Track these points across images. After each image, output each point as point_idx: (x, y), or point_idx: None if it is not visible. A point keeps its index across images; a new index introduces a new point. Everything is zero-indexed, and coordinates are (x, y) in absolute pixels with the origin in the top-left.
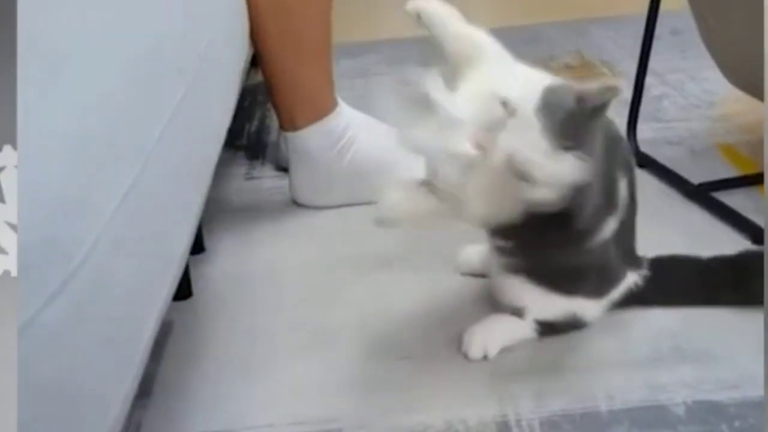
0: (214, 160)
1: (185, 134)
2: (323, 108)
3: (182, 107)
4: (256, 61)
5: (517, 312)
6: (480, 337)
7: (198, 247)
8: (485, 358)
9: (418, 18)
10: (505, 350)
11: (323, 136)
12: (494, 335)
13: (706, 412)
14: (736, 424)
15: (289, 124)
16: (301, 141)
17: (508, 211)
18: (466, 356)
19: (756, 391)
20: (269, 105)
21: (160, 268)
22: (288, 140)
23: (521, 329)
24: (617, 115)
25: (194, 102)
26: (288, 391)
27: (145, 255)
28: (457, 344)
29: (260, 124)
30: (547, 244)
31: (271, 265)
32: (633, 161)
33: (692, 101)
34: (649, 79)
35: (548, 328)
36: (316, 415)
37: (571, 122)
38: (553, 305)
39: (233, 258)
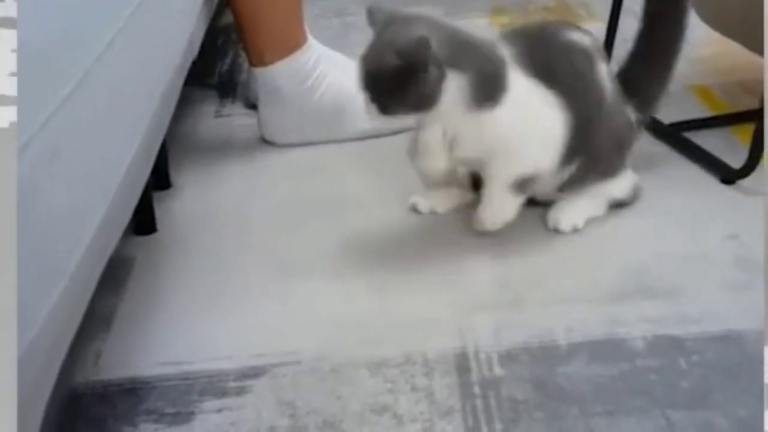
0: (171, 78)
1: (135, 47)
2: (292, 43)
3: (137, 16)
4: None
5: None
6: (568, 211)
7: (164, 183)
8: (575, 230)
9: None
10: (466, 284)
11: (293, 72)
12: (580, 209)
13: (666, 346)
14: (694, 358)
15: (257, 60)
16: (270, 77)
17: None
18: (556, 230)
19: (716, 326)
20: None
21: (97, 187)
22: (257, 76)
23: (600, 205)
24: None
25: (147, 15)
26: (251, 325)
27: (79, 169)
28: (421, 279)
29: (232, 62)
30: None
31: (238, 203)
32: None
33: None
34: (626, 20)
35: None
36: (276, 348)
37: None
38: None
39: (200, 195)
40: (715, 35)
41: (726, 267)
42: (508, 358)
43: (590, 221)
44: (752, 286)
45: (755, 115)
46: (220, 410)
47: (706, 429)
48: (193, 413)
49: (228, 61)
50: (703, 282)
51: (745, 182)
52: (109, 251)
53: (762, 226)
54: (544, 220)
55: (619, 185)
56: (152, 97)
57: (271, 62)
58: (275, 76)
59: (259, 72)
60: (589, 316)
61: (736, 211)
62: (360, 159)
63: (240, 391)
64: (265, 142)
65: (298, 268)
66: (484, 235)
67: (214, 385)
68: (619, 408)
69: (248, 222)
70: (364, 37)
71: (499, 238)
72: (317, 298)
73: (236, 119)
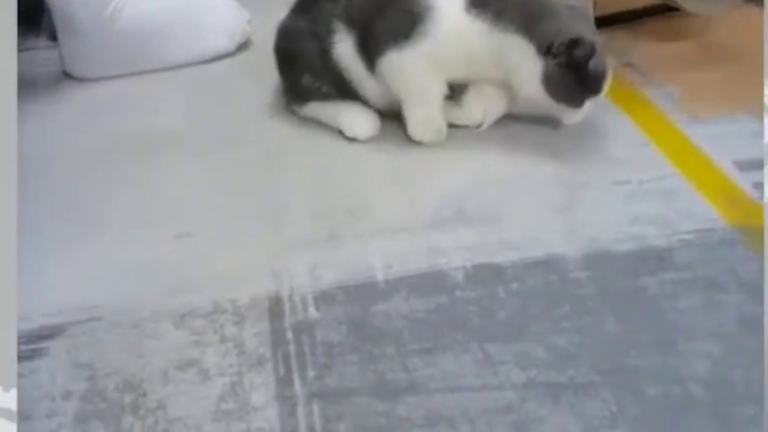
0: None
1: None
2: None
3: None
4: None
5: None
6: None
7: None
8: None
9: None
10: (283, 222)
11: (89, 1)
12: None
13: (485, 275)
14: (514, 286)
15: None
16: (65, 7)
17: None
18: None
19: (537, 252)
20: None
21: None
22: (53, 8)
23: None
24: None
25: None
26: (52, 280)
27: None
28: (234, 220)
29: None
30: None
31: (37, 145)
32: None
33: None
34: None
35: None
36: (76, 303)
37: None
38: None
39: None
40: None
41: (547, 187)
42: (324, 298)
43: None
44: (573, 206)
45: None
46: None
47: (524, 359)
48: None
49: None
50: (524, 204)
51: None
52: None
53: (585, 144)
54: (365, 149)
55: None
56: None
57: None
58: (70, 7)
59: (53, 3)
60: (409, 247)
61: (558, 129)
62: (174, 91)
63: (33, 355)
64: (69, 77)
65: (100, 216)
66: (303, 166)
67: None
68: (436, 344)
69: (48, 166)
70: None
71: (317, 171)
72: (120, 247)
73: (41, 53)
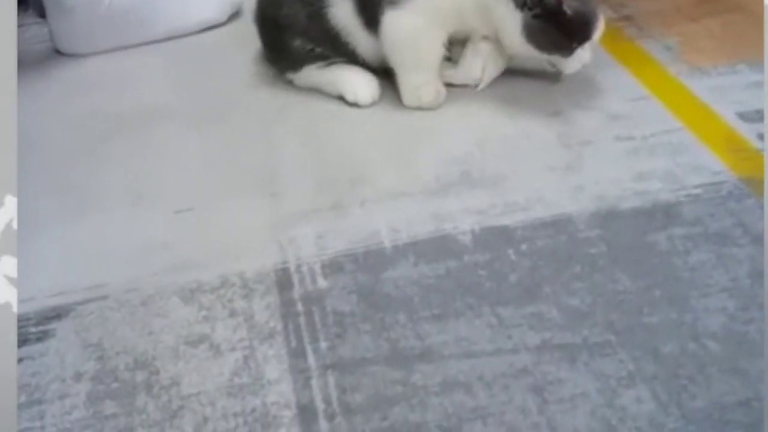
0: None
1: None
2: None
3: None
4: None
5: None
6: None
7: None
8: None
9: None
10: (284, 192)
11: None
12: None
13: (494, 238)
14: (523, 247)
15: None
16: None
17: None
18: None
19: (543, 212)
20: None
21: None
22: None
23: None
24: None
25: None
26: (52, 259)
27: None
28: (235, 192)
29: None
30: None
31: (29, 123)
32: None
33: None
34: None
35: None
36: (80, 282)
37: None
38: None
39: None
40: None
41: (550, 147)
42: (332, 267)
43: (410, 111)
44: (577, 164)
45: None
46: (20, 360)
47: (538, 322)
48: None
49: None
50: (528, 165)
51: None
52: None
53: (585, 101)
54: (362, 115)
55: None
56: None
57: None
58: None
59: None
60: (414, 213)
61: (559, 86)
62: (165, 64)
63: (42, 337)
64: (59, 53)
65: (98, 194)
66: (300, 135)
67: None
68: (447, 310)
69: (40, 145)
70: None
71: (316, 137)
72: (118, 224)
73: (30, 29)
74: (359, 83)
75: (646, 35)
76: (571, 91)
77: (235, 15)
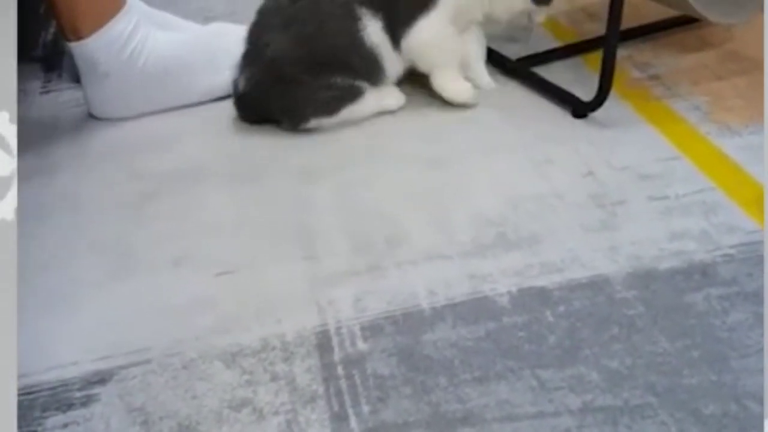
0: None
1: None
2: (107, 11)
3: None
4: None
5: None
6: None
7: None
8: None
9: None
10: (321, 252)
11: (109, 44)
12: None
13: (531, 299)
14: (561, 308)
15: (72, 34)
16: (87, 50)
17: None
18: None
19: (580, 273)
20: None
21: None
22: (74, 52)
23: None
24: None
25: None
26: (93, 323)
27: None
28: (272, 252)
29: (57, 31)
30: None
31: (67, 188)
32: None
33: None
34: None
35: None
36: (123, 345)
37: None
38: None
39: (25, 181)
40: None
41: (583, 206)
42: (371, 330)
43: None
44: (612, 225)
45: (602, 42)
46: (65, 426)
47: (578, 384)
48: None
49: (52, 30)
50: (563, 225)
51: (598, 115)
52: None
53: (617, 161)
54: (388, 171)
55: None
56: None
57: (87, 35)
58: (92, 50)
59: (74, 47)
60: (450, 274)
61: (590, 146)
62: (199, 126)
63: (86, 401)
64: (94, 117)
65: (137, 257)
66: (332, 193)
67: (58, 398)
68: (488, 373)
69: (80, 209)
70: None
71: (347, 196)
72: (161, 287)
73: (64, 94)
74: (389, 92)
75: (674, 94)
76: (601, 150)
77: None
